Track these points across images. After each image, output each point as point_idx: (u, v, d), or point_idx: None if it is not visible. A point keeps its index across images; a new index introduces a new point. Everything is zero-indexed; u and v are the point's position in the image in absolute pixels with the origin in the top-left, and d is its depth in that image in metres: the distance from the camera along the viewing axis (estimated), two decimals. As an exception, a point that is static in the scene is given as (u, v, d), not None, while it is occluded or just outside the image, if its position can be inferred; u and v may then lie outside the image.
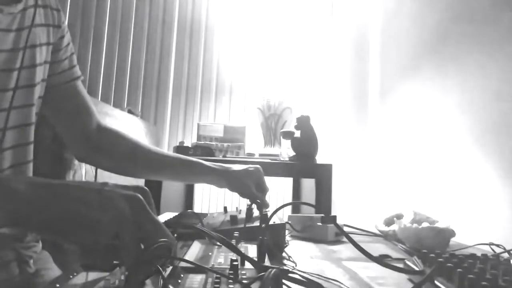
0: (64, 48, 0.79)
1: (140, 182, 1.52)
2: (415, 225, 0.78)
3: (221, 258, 0.53)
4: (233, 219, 0.75)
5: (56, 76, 0.78)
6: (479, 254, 0.58)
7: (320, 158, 1.70)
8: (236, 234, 0.62)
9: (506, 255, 0.72)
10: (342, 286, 0.52)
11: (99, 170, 1.34)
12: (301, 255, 0.70)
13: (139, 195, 0.41)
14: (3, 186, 0.39)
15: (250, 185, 0.83)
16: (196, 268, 0.44)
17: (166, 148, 2.38)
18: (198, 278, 0.43)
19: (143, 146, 0.88)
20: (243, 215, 0.79)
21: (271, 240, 0.63)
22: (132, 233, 0.39)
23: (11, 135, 0.65)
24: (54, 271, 0.75)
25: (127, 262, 0.39)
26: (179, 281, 0.41)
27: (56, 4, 0.77)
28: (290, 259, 0.64)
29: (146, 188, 0.46)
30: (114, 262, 0.41)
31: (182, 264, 0.45)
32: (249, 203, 0.81)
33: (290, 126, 1.92)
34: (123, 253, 0.38)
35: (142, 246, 0.40)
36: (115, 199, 0.40)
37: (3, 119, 0.63)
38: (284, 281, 0.41)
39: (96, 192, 0.41)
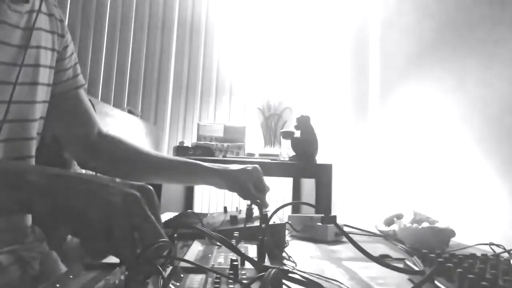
0: (68, 58, 0.82)
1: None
2: (415, 225, 0.78)
3: (221, 258, 0.53)
4: (233, 219, 0.75)
5: (60, 85, 0.81)
6: (479, 254, 0.58)
7: (320, 158, 1.70)
8: (236, 234, 0.62)
9: (506, 255, 0.72)
10: (342, 286, 0.52)
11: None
12: (301, 255, 0.70)
13: (137, 193, 0.42)
14: (15, 174, 0.42)
15: (248, 184, 0.83)
16: (196, 268, 0.44)
17: (166, 148, 2.38)
18: (198, 278, 0.43)
19: (142, 150, 0.90)
20: (243, 215, 0.79)
21: (271, 240, 0.63)
22: (122, 230, 0.39)
23: (9, 128, 0.66)
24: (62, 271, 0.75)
25: (119, 258, 0.40)
26: (179, 281, 0.41)
27: (60, 15, 0.80)
28: (290, 259, 0.64)
29: (150, 187, 0.46)
30: (114, 262, 0.41)
31: (182, 264, 0.45)
32: (249, 203, 0.81)
33: (290, 126, 1.92)
34: (114, 250, 0.39)
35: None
36: (112, 195, 0.41)
37: (2, 111, 0.64)
38: (284, 281, 0.41)
39: (100, 187, 0.41)
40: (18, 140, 0.68)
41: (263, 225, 0.64)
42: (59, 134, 0.86)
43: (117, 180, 0.44)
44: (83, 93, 0.87)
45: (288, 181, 2.34)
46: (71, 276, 0.42)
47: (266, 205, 0.83)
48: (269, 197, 0.88)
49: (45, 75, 0.73)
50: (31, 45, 0.69)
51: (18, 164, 0.49)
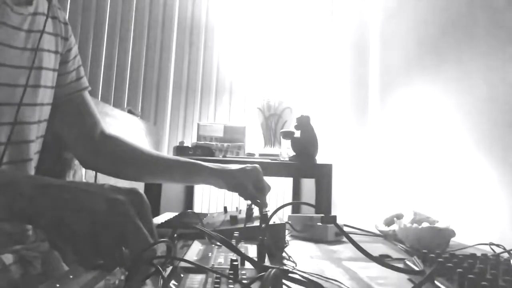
0: (71, 60, 0.83)
1: (140, 185, 1.52)
2: (415, 225, 0.78)
3: (221, 258, 0.53)
4: (233, 219, 0.75)
5: (64, 87, 0.81)
6: (479, 254, 0.58)
7: (320, 158, 1.70)
8: (236, 234, 0.62)
9: (506, 255, 0.72)
10: (342, 286, 0.52)
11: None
12: (301, 255, 0.70)
13: (123, 199, 0.41)
14: (4, 185, 0.42)
15: (247, 184, 0.83)
16: (196, 268, 0.44)
17: (166, 148, 2.37)
18: (198, 278, 0.43)
19: (143, 150, 0.91)
20: (243, 215, 0.79)
21: (271, 240, 0.62)
22: (107, 238, 0.39)
23: (8, 131, 0.66)
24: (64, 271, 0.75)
25: (107, 264, 0.40)
26: (179, 281, 0.41)
27: (64, 18, 0.81)
28: (290, 259, 0.64)
29: (139, 191, 0.45)
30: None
31: (182, 264, 0.45)
32: (249, 203, 0.81)
33: (290, 126, 1.92)
34: (101, 256, 0.39)
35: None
36: (97, 203, 0.40)
37: (13, 114, 0.64)
38: (284, 281, 0.41)
39: (86, 195, 0.41)
40: (16, 143, 0.68)
41: (263, 225, 0.64)
42: (62, 135, 0.86)
43: (106, 185, 0.43)
44: (87, 95, 0.88)
45: (288, 181, 2.34)
46: (71, 276, 0.42)
47: (265, 205, 0.83)
48: (269, 197, 0.88)
49: (48, 78, 0.73)
50: (33, 47, 0.69)
51: (6, 174, 0.49)
